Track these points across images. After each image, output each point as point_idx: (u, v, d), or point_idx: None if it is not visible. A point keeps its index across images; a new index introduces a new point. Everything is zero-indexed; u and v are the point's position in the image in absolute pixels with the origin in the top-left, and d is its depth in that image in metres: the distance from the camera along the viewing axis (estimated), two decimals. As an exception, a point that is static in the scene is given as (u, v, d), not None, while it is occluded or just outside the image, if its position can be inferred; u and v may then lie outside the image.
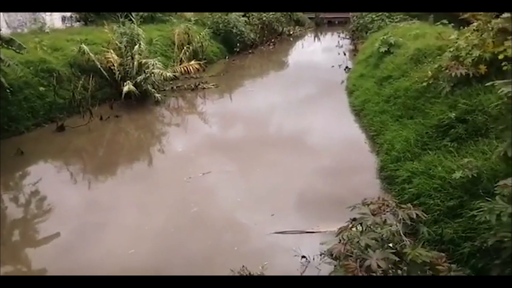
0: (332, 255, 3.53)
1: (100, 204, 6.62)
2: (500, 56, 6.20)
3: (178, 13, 21.40)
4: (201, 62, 15.21)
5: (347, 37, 24.56)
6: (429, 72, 8.07)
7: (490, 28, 6.81)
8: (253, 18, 23.41)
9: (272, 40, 25.30)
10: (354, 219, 3.69)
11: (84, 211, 6.37)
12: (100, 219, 6.05)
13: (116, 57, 12.15)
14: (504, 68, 5.99)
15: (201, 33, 17.32)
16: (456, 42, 7.68)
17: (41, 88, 10.29)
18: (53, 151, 8.83)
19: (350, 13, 27.82)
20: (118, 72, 11.94)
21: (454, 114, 6.42)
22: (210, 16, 21.00)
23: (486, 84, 5.36)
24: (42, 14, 15.79)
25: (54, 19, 16.50)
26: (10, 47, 9.41)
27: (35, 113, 9.96)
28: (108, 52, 12.27)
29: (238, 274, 4.42)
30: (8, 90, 9.19)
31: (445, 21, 12.35)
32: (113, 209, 6.42)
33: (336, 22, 35.10)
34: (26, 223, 6.17)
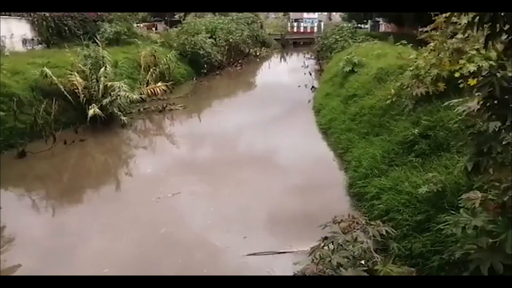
0: (305, 274, 3.51)
1: (66, 230, 6.34)
2: (457, 74, 6.51)
3: (144, 35, 21.34)
4: (168, 84, 15.14)
5: (312, 57, 25.21)
6: (392, 90, 8.35)
7: (446, 48, 7.16)
8: (219, 39, 23.66)
9: (239, 61, 25.60)
10: (326, 238, 3.70)
11: (48, 239, 6.10)
12: (66, 246, 5.79)
13: (80, 80, 11.90)
14: (461, 85, 6.28)
15: (168, 55, 17.30)
16: (416, 61, 8.02)
17: (1, 113, 9.88)
18: (14, 178, 8.42)
19: (315, 34, 28.63)
20: (83, 95, 11.68)
21: (417, 130, 6.65)
22: (176, 38, 21.06)
23: (444, 104, 5.59)
24: (2, 37, 15.34)
25: (14, 42, 16.05)
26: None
27: (-7, 139, 9.53)
28: (72, 75, 12.00)
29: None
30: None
31: (404, 41, 12.90)
32: (80, 234, 6.15)
33: (301, 42, 36.04)
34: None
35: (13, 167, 8.94)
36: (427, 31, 8.04)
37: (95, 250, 5.74)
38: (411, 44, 12.24)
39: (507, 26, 2.90)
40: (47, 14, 17.43)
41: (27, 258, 5.52)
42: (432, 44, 7.82)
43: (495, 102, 3.16)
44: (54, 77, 11.51)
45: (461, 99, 3.90)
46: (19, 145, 9.52)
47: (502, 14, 2.83)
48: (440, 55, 7.32)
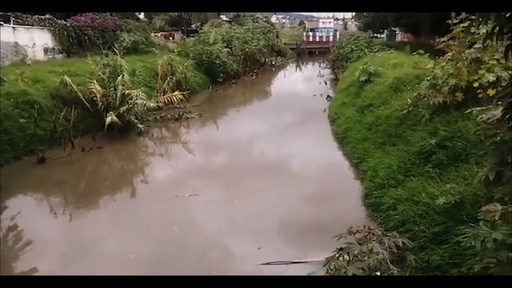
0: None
1: (83, 235, 6.43)
2: (475, 84, 6.42)
3: (161, 44, 21.68)
4: (184, 93, 15.30)
5: (328, 66, 25.19)
6: (409, 100, 8.28)
7: (464, 58, 7.08)
8: (236, 49, 23.86)
9: (255, 70, 25.73)
10: (341, 249, 3.66)
11: (66, 241, 6.20)
12: (82, 250, 5.88)
13: (99, 88, 12.12)
14: (480, 95, 6.20)
15: (184, 64, 17.52)
16: (433, 71, 7.93)
17: (22, 120, 10.12)
18: (33, 184, 8.60)
19: (330, 43, 28.66)
20: (101, 103, 11.88)
21: (434, 140, 6.56)
22: (192, 47, 21.32)
23: (465, 112, 5.50)
24: (24, 46, 15.78)
25: (36, 51, 16.49)
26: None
27: (14, 145, 9.74)
28: (91, 83, 12.24)
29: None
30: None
31: (421, 51, 12.79)
32: (96, 239, 6.24)
33: (317, 52, 36.08)
34: (3, 258, 5.91)
35: (32, 172, 9.12)
36: (444, 41, 7.96)
37: (110, 251, 5.87)
38: (428, 54, 12.12)
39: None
40: (68, 23, 17.90)
41: (44, 260, 5.62)
42: (449, 53, 7.74)
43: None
44: (73, 85, 11.75)
45: (483, 108, 3.82)
46: (39, 151, 9.72)
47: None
48: (458, 65, 7.24)
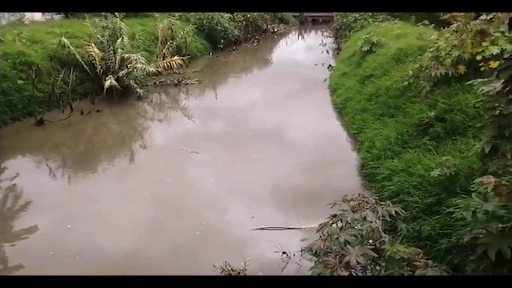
0: (312, 251, 3.56)
1: (81, 197, 6.53)
2: (478, 57, 6.33)
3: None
4: (184, 58, 15.08)
5: (331, 35, 24.75)
6: (410, 72, 8.20)
7: (469, 30, 6.95)
8: (237, 15, 23.34)
9: (256, 37, 25.27)
10: (335, 215, 3.73)
11: (64, 204, 6.32)
12: (81, 211, 6.01)
13: (98, 51, 11.95)
14: (482, 69, 6.12)
15: (185, 29, 17.18)
16: (436, 43, 7.82)
17: (20, 81, 10.03)
18: (32, 146, 8.64)
19: (334, 12, 28.04)
20: (100, 67, 11.74)
21: (433, 113, 6.55)
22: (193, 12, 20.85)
23: (466, 83, 5.46)
24: (21, 6, 15.40)
25: (33, 11, 16.13)
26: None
27: (12, 107, 9.72)
28: (89, 46, 12.06)
29: (221, 270, 4.46)
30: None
31: (426, 21, 12.57)
32: (95, 201, 6.34)
33: (320, 20, 35.30)
34: (3, 218, 6.03)
35: (31, 134, 9.15)
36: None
37: (108, 210, 6.05)
38: (433, 25, 11.91)
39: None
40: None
41: (42, 219, 5.77)
42: (455, 25, 7.60)
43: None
44: (72, 47, 11.59)
45: (485, 80, 3.79)
46: (37, 113, 9.70)
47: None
48: (462, 37, 7.12)
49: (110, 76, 11.26)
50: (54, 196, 6.62)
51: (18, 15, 14.91)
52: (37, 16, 16.23)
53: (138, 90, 11.69)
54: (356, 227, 3.61)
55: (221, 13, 20.94)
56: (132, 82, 11.69)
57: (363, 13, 19.92)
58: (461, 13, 7.50)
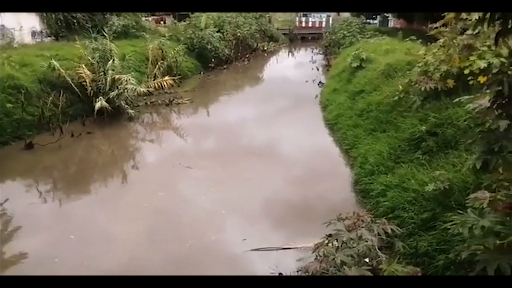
0: (308, 272, 3.49)
1: (73, 219, 6.40)
2: (466, 71, 6.41)
3: (152, 28, 21.34)
4: (175, 78, 15.11)
5: (320, 52, 25.00)
6: (400, 87, 8.26)
7: (456, 44, 7.05)
8: (227, 34, 23.55)
9: (247, 56, 25.48)
10: (330, 235, 3.67)
11: (55, 226, 6.22)
12: (72, 230, 5.94)
13: (88, 73, 11.92)
14: (471, 82, 6.19)
15: (175, 49, 17.26)
16: (425, 58, 7.91)
17: (8, 105, 9.93)
18: (21, 170, 8.49)
19: (323, 29, 28.44)
20: (90, 88, 11.70)
21: (424, 127, 6.57)
22: (184, 32, 21.00)
23: (454, 100, 5.50)
24: (11, 29, 15.39)
25: (23, 34, 16.10)
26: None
27: (1, 130, 9.58)
28: (80, 67, 12.03)
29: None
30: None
31: (413, 37, 12.75)
32: (85, 219, 6.25)
33: (309, 37, 35.76)
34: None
35: (20, 158, 9.00)
36: (436, 27, 7.93)
37: (100, 235, 5.90)
38: (420, 40, 12.08)
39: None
40: (56, 7, 17.41)
41: (33, 244, 5.62)
42: (441, 40, 7.71)
43: (505, 100, 3.10)
44: (62, 70, 11.55)
45: (471, 96, 3.81)
46: (27, 137, 9.59)
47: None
48: (449, 51, 7.21)
49: (101, 97, 11.21)
50: (44, 219, 6.47)
51: (7, 38, 14.86)
52: (27, 39, 16.21)
53: (129, 110, 11.63)
54: (352, 247, 3.55)
55: (211, 32, 21.12)
56: (123, 103, 11.64)
57: (352, 29, 20.26)
58: (447, 28, 7.61)
